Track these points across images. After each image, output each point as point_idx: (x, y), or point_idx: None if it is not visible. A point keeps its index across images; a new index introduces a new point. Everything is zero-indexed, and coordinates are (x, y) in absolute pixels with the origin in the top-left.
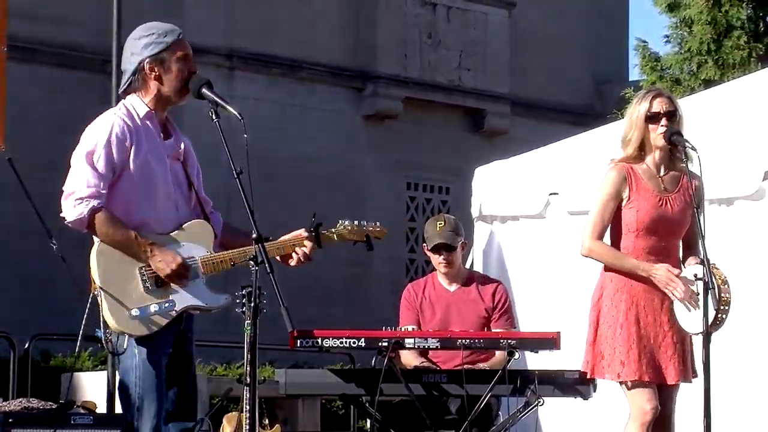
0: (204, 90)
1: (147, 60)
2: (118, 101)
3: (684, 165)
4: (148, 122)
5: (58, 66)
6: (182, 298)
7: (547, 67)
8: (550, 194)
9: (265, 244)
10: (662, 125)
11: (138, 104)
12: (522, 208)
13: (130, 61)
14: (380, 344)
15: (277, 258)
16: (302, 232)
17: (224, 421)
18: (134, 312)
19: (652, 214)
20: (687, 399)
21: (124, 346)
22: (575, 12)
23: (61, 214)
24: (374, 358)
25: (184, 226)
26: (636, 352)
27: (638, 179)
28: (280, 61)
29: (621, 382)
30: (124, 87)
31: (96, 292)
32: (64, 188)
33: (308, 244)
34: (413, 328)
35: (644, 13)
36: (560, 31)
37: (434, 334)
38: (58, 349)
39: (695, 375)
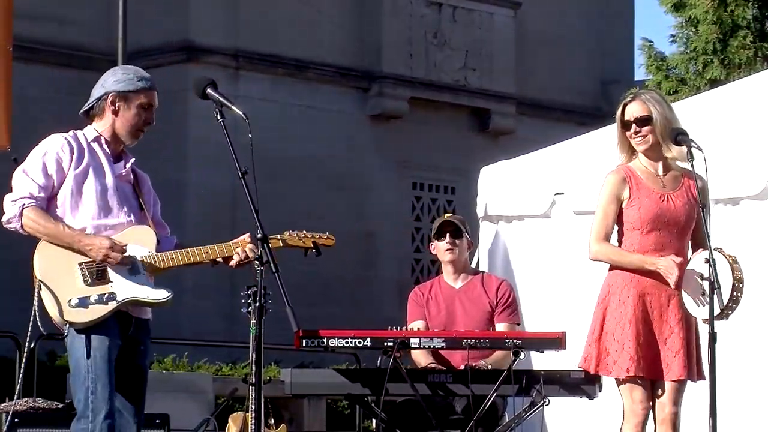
0: (209, 90)
1: (112, 93)
2: None
3: (685, 166)
4: (95, 144)
5: (60, 66)
6: (123, 290)
7: (553, 67)
8: (556, 194)
9: (209, 246)
10: (634, 132)
11: (89, 131)
12: (527, 208)
13: (98, 89)
14: (386, 344)
15: (219, 260)
16: (246, 237)
17: (230, 420)
18: (73, 301)
19: (654, 210)
20: (692, 398)
21: (65, 332)
22: (581, 12)
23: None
24: (380, 358)
25: (124, 231)
26: (645, 348)
27: (638, 179)
28: (285, 61)
29: (623, 379)
30: (84, 110)
31: (36, 285)
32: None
33: (251, 245)
34: (419, 326)
35: (650, 12)
36: (566, 30)
37: (440, 333)
38: (64, 349)
39: (703, 377)
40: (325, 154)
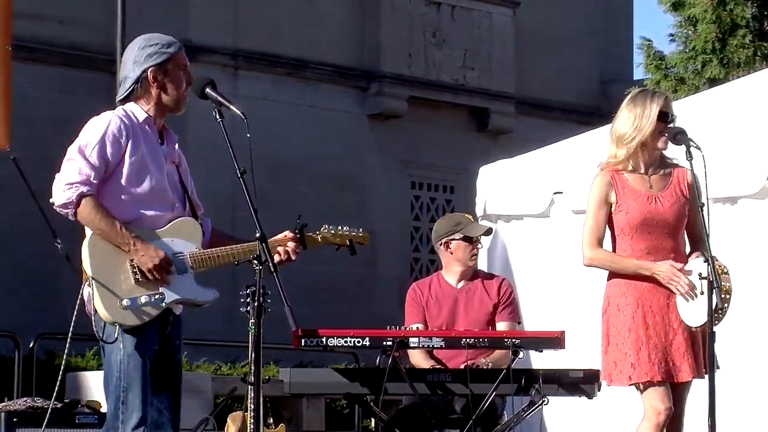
0: (208, 90)
1: (151, 68)
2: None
3: (676, 162)
4: (146, 126)
5: (62, 66)
6: (171, 291)
7: (552, 66)
8: (555, 193)
9: (250, 244)
10: (669, 126)
11: (137, 110)
12: (526, 207)
13: (132, 70)
14: (384, 343)
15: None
16: (288, 233)
17: (228, 420)
18: (125, 302)
19: (642, 213)
20: (692, 396)
21: (114, 336)
22: (579, 11)
23: (51, 199)
24: (379, 358)
25: (173, 222)
26: (645, 353)
27: (624, 182)
28: (284, 61)
29: (635, 385)
30: (125, 95)
31: (87, 283)
32: (56, 176)
33: (292, 244)
34: (418, 326)
35: (649, 12)
36: (565, 29)
37: (439, 333)
38: (63, 348)
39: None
40: (324, 154)
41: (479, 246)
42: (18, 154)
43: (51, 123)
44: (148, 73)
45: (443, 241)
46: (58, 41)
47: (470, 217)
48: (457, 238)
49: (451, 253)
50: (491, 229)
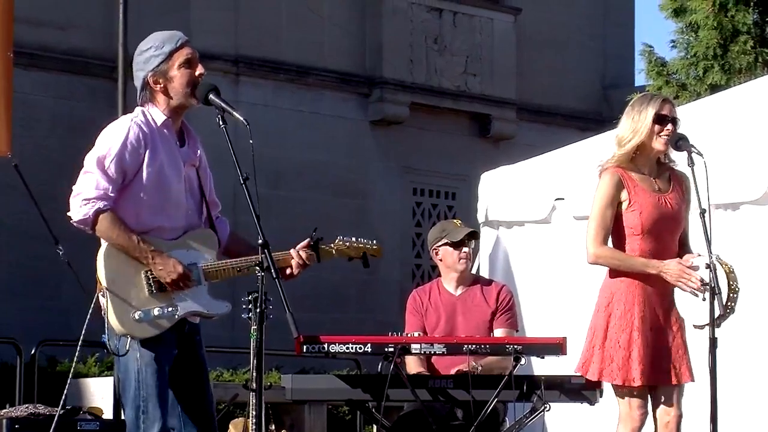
0: (211, 96)
1: (150, 74)
2: (124, 106)
3: (673, 166)
4: (165, 130)
5: (63, 71)
6: (184, 303)
7: (553, 72)
8: (556, 199)
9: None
10: (667, 129)
11: (155, 112)
12: (528, 213)
13: (137, 78)
14: (386, 350)
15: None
16: (303, 245)
17: (231, 426)
18: (138, 315)
19: (654, 214)
20: (692, 401)
21: (126, 349)
22: (581, 17)
23: (68, 213)
24: (380, 364)
25: (189, 233)
26: (650, 355)
27: (633, 182)
28: (286, 67)
29: (620, 386)
30: (139, 102)
31: (101, 293)
32: (73, 188)
33: (304, 254)
34: (419, 335)
35: (651, 18)
36: (566, 35)
37: (440, 339)
38: (65, 354)
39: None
40: (326, 160)
41: (465, 250)
42: (19, 159)
43: (51, 129)
44: (149, 80)
45: (433, 249)
46: (59, 47)
47: (457, 222)
48: (444, 244)
49: (441, 260)
50: (475, 231)
